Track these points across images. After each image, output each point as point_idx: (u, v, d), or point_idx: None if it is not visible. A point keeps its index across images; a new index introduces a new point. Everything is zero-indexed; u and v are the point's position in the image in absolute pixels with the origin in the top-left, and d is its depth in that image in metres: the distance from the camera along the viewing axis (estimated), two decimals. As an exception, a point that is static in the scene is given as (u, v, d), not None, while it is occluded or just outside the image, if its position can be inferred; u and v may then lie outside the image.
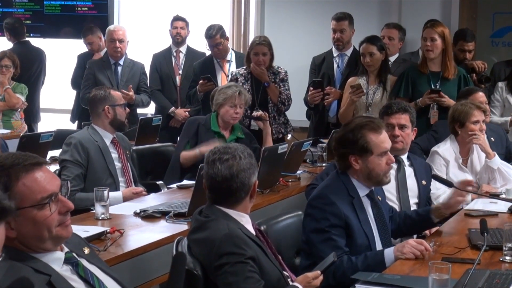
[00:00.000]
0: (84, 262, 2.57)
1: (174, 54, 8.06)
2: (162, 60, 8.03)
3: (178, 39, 8.04)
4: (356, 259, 3.60)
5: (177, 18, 8.11)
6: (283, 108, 6.91)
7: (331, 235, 3.65)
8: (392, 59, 7.14)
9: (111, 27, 8.03)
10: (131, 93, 7.48)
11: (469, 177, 5.37)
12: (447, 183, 4.55)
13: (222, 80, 7.35)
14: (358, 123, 3.86)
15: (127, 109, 5.40)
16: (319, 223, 3.67)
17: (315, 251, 3.67)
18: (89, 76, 7.83)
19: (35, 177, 2.41)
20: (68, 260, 2.49)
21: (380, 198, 3.98)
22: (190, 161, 5.79)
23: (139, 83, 7.87)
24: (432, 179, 4.77)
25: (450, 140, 5.46)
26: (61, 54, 9.63)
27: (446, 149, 5.42)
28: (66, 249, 2.53)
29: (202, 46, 8.10)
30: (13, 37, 8.80)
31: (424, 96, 6.24)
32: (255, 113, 6.55)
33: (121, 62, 7.87)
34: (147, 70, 8.04)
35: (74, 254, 2.55)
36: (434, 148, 5.48)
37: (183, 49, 8.09)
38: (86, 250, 2.62)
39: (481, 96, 5.86)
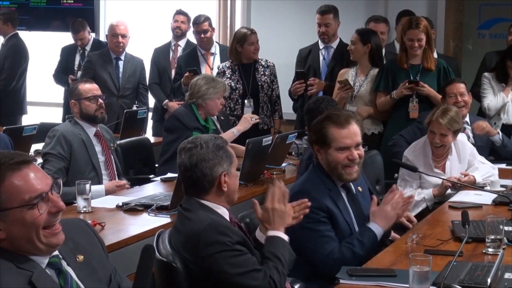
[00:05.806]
0: (71, 272, 2.43)
1: (173, 48, 8.07)
2: (160, 54, 8.05)
3: (178, 33, 8.05)
4: (354, 248, 3.66)
5: (179, 12, 8.13)
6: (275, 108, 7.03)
7: (321, 229, 3.69)
8: None
9: (113, 21, 7.97)
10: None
11: (439, 181, 5.06)
12: (411, 168, 4.54)
13: (206, 73, 7.29)
14: (326, 114, 3.87)
15: (100, 101, 5.24)
16: (306, 219, 3.65)
17: (307, 246, 3.67)
18: (88, 71, 7.73)
19: (23, 176, 2.31)
20: (51, 265, 2.38)
21: (361, 189, 3.96)
22: None
23: (139, 78, 7.89)
24: None
25: (424, 143, 5.28)
26: (46, 47, 9.57)
27: (416, 153, 5.24)
28: (55, 253, 2.41)
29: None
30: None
31: (400, 87, 6.20)
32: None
33: (122, 57, 7.83)
34: (146, 64, 8.05)
35: (63, 261, 2.43)
36: (405, 153, 5.32)
37: (182, 43, 8.09)
38: (80, 257, 2.48)
39: (461, 87, 5.84)
